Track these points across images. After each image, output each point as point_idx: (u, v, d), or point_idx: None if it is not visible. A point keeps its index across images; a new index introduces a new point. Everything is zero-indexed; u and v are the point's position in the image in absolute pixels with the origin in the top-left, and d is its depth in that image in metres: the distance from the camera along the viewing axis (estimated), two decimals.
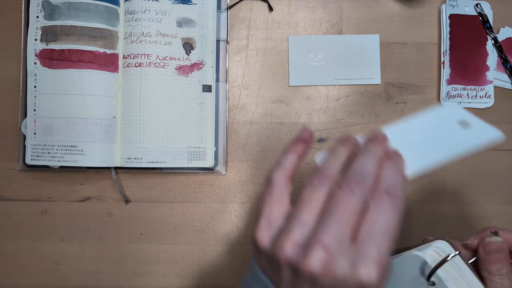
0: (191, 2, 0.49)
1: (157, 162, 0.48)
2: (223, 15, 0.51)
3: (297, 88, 0.52)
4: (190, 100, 0.49)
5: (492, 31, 0.52)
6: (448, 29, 0.52)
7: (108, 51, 0.48)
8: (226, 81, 0.51)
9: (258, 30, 0.52)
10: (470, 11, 0.52)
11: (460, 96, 0.51)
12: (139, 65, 0.48)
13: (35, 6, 0.48)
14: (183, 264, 0.50)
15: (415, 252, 0.34)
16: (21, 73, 0.48)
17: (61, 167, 0.48)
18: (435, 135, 0.34)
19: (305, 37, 0.52)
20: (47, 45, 0.48)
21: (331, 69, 0.52)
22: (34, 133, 0.48)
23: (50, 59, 0.48)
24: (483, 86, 0.52)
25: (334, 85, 0.52)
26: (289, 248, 0.26)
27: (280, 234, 0.27)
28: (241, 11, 0.52)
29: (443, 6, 0.52)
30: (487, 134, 0.34)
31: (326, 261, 0.25)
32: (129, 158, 0.48)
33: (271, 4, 0.52)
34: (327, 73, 0.52)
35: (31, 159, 0.48)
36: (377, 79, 0.52)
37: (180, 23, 0.49)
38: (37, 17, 0.48)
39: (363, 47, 0.52)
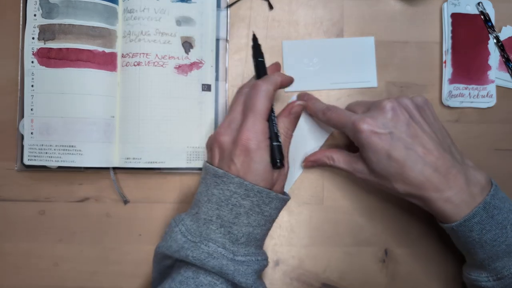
0: (191, 0, 0.49)
1: (156, 162, 0.48)
2: (223, 13, 0.50)
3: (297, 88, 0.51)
4: (189, 99, 0.49)
5: (494, 30, 0.52)
6: (450, 28, 0.51)
7: (107, 50, 0.48)
8: (226, 80, 0.50)
9: (258, 28, 0.52)
10: (472, 10, 0.52)
11: (462, 95, 0.51)
12: (138, 64, 0.48)
13: (32, 5, 0.48)
14: None
15: None
16: (19, 72, 0.48)
17: (59, 167, 0.48)
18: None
19: (299, 42, 0.51)
20: (44, 43, 0.47)
21: (327, 73, 0.51)
22: (31, 133, 0.47)
23: (48, 58, 0.47)
24: (484, 86, 0.51)
25: (332, 89, 0.51)
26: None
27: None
28: (241, 9, 0.52)
29: (445, 5, 0.52)
30: None
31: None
32: (127, 158, 0.48)
33: (271, 2, 0.52)
34: (323, 77, 0.51)
35: (28, 159, 0.47)
36: (373, 82, 0.51)
37: (179, 22, 0.49)
38: (35, 15, 0.48)
39: (358, 50, 0.51)
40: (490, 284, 0.41)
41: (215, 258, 0.37)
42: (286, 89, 0.51)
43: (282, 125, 0.42)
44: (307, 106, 0.47)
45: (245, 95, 0.42)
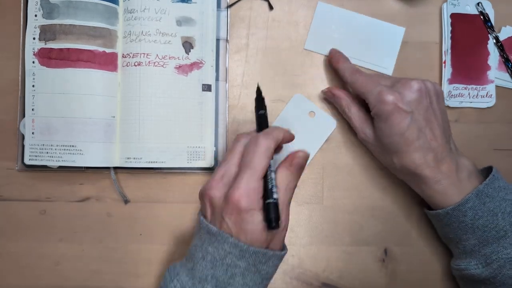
0: (191, 0, 0.49)
1: (156, 162, 0.48)
2: (223, 13, 0.51)
3: (297, 88, 0.51)
4: (189, 99, 0.49)
5: (493, 30, 0.52)
6: (450, 28, 0.51)
7: (107, 50, 0.48)
8: (226, 81, 0.50)
9: (258, 29, 0.52)
10: (472, 10, 0.52)
11: (461, 95, 0.51)
12: (138, 64, 0.48)
13: (33, 5, 0.48)
14: None
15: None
16: (20, 73, 0.48)
17: (60, 167, 0.48)
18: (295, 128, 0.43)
19: (334, 8, 0.52)
20: (45, 44, 0.48)
21: (349, 46, 0.51)
22: (33, 133, 0.47)
23: (49, 58, 0.47)
24: (484, 86, 0.51)
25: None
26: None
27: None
28: (241, 10, 0.52)
29: (444, 5, 0.52)
30: (327, 122, 0.50)
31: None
32: (128, 158, 0.48)
33: (271, 3, 0.52)
34: (344, 48, 0.51)
35: (30, 159, 0.47)
36: (389, 70, 0.51)
37: (179, 22, 0.49)
38: (36, 16, 0.48)
39: (385, 35, 0.52)
40: (479, 270, 0.42)
41: None
42: (307, 46, 0.51)
43: (282, 178, 0.38)
44: (335, 62, 0.48)
45: (243, 146, 0.39)
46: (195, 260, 0.38)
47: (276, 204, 0.37)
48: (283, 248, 0.40)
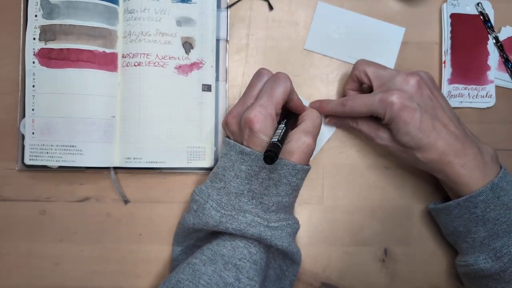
0: (191, 1, 0.49)
1: (156, 162, 0.48)
2: (223, 14, 0.51)
3: (297, 88, 0.51)
4: (189, 99, 0.49)
5: (493, 31, 0.52)
6: (449, 28, 0.51)
7: (107, 51, 0.48)
8: (226, 81, 0.50)
9: (258, 29, 0.52)
10: (471, 10, 0.52)
11: (461, 95, 0.51)
12: (138, 65, 0.48)
13: (33, 5, 0.48)
14: None
15: None
16: (20, 73, 0.48)
17: (60, 167, 0.48)
18: None
19: (334, 8, 0.52)
20: (45, 44, 0.48)
21: (349, 45, 0.52)
22: (33, 133, 0.47)
23: (49, 58, 0.47)
24: (484, 86, 0.51)
25: (347, 62, 0.51)
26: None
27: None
28: (241, 10, 0.52)
29: (444, 5, 0.52)
30: (326, 125, 0.51)
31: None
32: (128, 158, 0.48)
33: (271, 3, 0.52)
34: (344, 48, 0.51)
35: (30, 159, 0.47)
36: None
37: (179, 22, 0.49)
38: (36, 16, 0.48)
39: (385, 36, 0.52)
40: (488, 264, 0.42)
41: (253, 226, 0.41)
42: (307, 46, 0.51)
43: (310, 114, 0.44)
44: (323, 108, 0.49)
45: (263, 83, 0.43)
46: (226, 179, 0.42)
47: (277, 145, 0.38)
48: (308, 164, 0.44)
